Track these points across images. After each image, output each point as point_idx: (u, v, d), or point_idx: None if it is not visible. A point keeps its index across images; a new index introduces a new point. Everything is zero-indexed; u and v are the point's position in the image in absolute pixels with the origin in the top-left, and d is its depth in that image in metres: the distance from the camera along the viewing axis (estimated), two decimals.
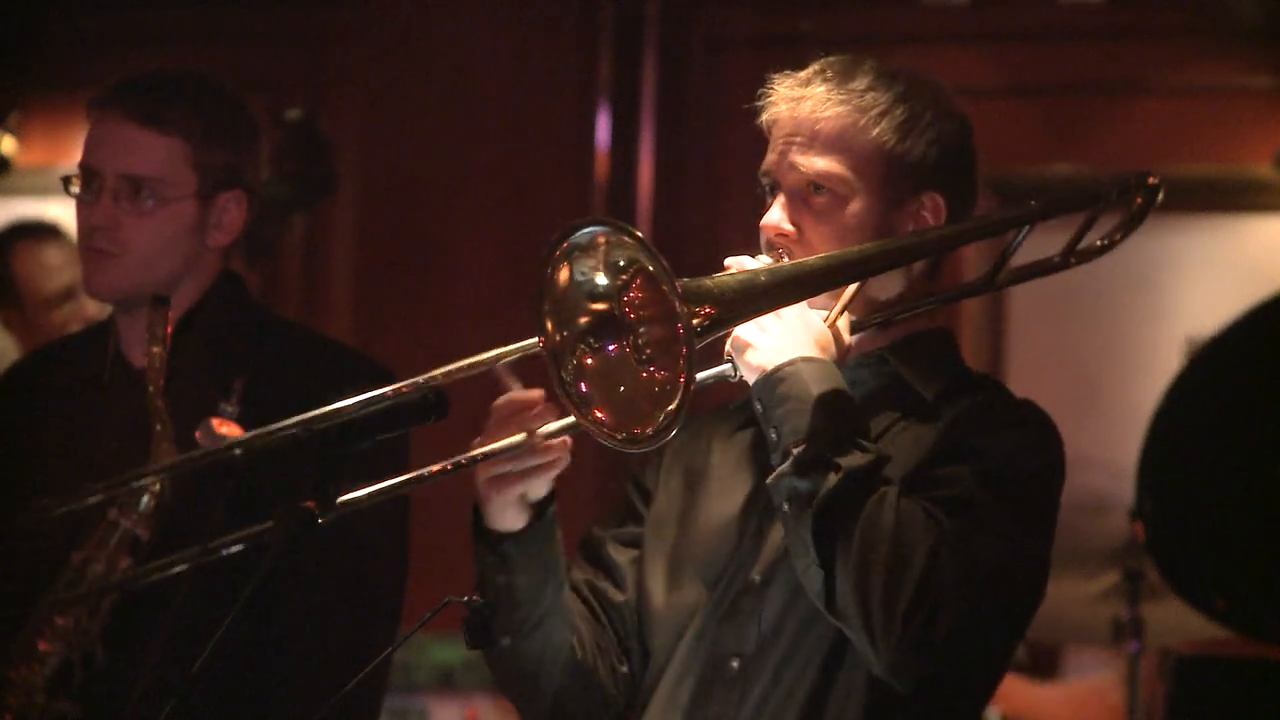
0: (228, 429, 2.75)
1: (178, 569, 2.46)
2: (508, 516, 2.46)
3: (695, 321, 2.18)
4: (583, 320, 2.27)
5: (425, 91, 5.86)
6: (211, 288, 3.09)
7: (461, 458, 2.39)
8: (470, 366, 2.38)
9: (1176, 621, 4.37)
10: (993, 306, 5.78)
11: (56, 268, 5.00)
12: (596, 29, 5.85)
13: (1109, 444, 5.52)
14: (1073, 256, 2.48)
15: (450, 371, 2.38)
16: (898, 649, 2.23)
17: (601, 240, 2.23)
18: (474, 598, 2.41)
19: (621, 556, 2.58)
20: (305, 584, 2.89)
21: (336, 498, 2.27)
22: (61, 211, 5.32)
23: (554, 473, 2.43)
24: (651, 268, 2.20)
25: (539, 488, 2.45)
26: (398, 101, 5.90)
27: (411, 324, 5.57)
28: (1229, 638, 4.24)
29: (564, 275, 2.25)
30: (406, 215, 5.88)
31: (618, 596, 2.56)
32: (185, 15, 6.06)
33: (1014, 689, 5.08)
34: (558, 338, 2.27)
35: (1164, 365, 4.52)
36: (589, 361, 2.28)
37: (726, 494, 2.52)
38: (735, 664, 2.43)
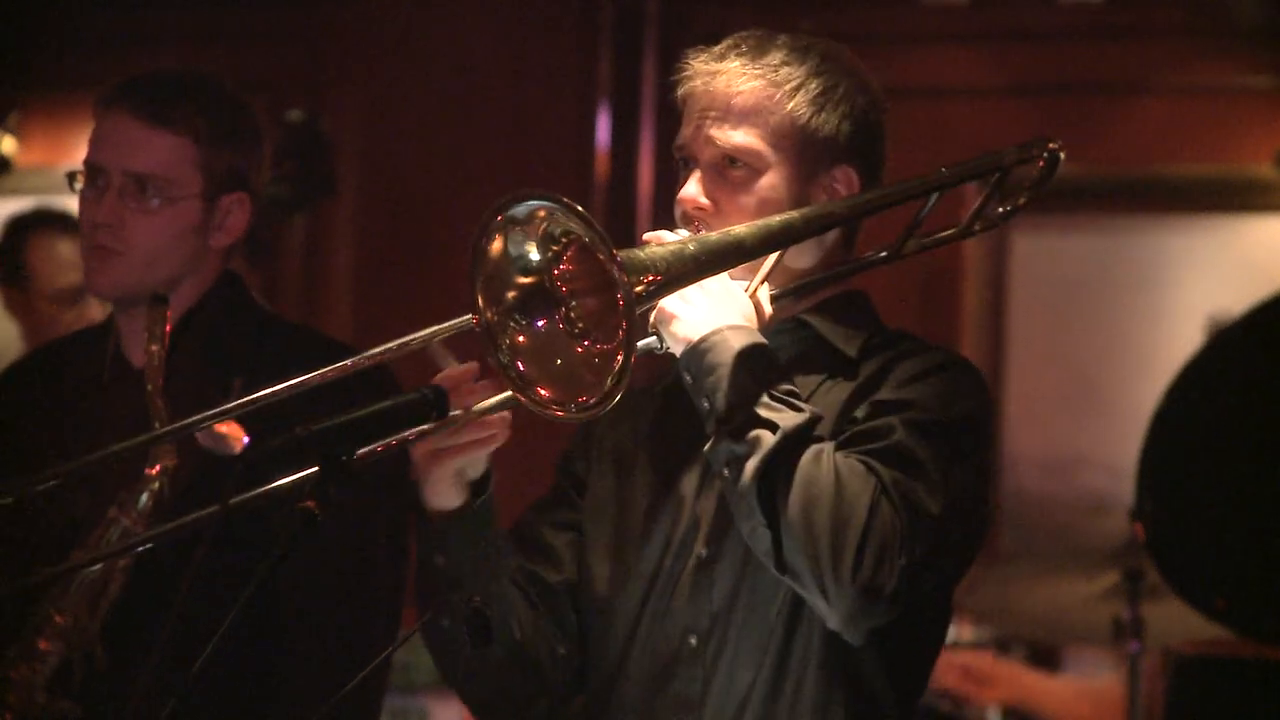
0: (228, 428, 2.76)
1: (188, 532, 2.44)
2: (443, 494, 2.46)
3: (638, 290, 2.20)
4: (510, 295, 2.28)
5: (425, 91, 5.86)
6: (212, 288, 3.09)
7: (395, 437, 2.36)
8: (402, 346, 2.38)
9: (1176, 621, 4.37)
10: (993, 306, 5.78)
11: (70, 264, 4.98)
12: (596, 29, 5.85)
13: (1109, 444, 5.53)
14: (977, 224, 2.57)
15: (381, 352, 2.38)
16: (849, 600, 2.26)
17: (541, 214, 2.24)
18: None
19: (557, 539, 2.58)
20: (306, 584, 2.89)
21: (336, 498, 2.27)
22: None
23: (490, 448, 2.43)
24: (588, 238, 2.21)
25: (476, 465, 2.45)
26: (398, 101, 5.90)
27: (411, 324, 5.55)
28: (1229, 638, 4.24)
29: (496, 247, 2.27)
30: (406, 215, 5.88)
31: (554, 577, 2.56)
32: (185, 15, 6.06)
33: (1019, 677, 5.08)
34: (489, 315, 2.28)
35: (1164, 365, 4.52)
36: (521, 339, 2.29)
37: (660, 472, 2.53)
38: (693, 640, 2.44)
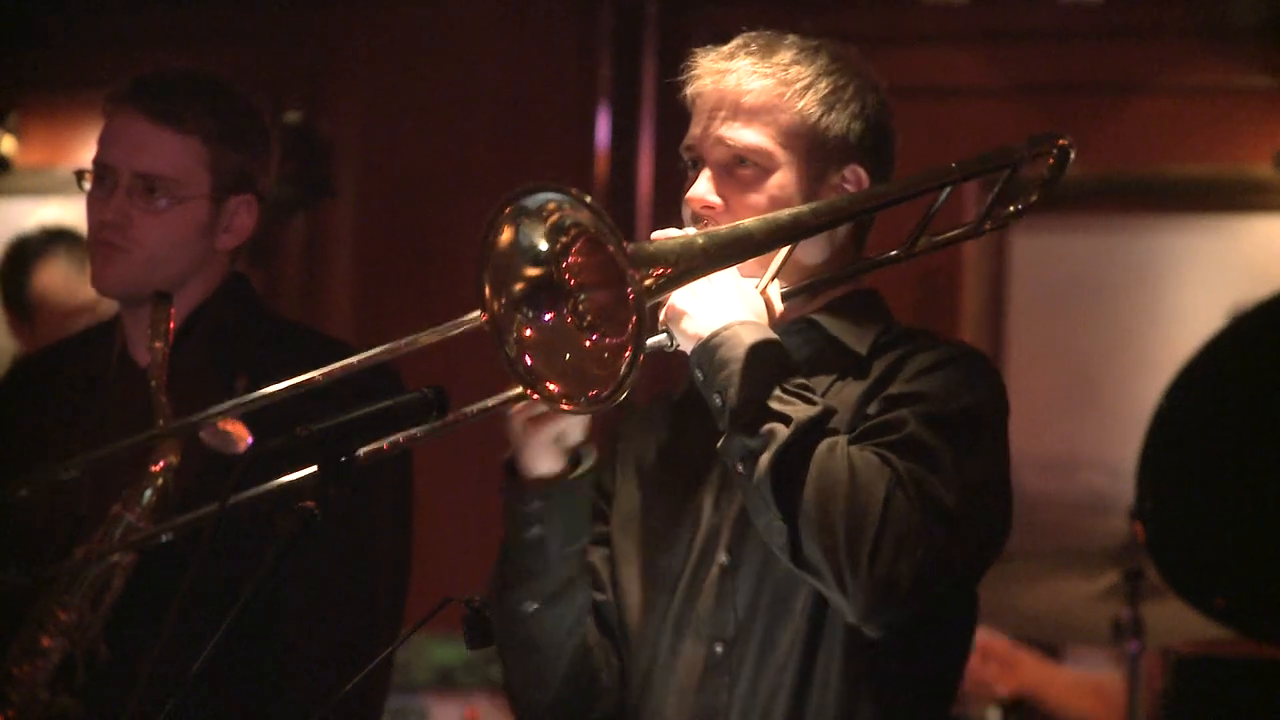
0: (232, 427, 2.76)
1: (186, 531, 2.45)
2: (543, 461, 2.45)
3: (647, 283, 2.20)
4: (518, 287, 2.28)
5: (425, 91, 5.86)
6: (218, 289, 3.09)
7: (399, 435, 2.36)
8: (410, 344, 2.39)
9: (1176, 621, 4.37)
10: (993, 305, 5.78)
11: (77, 308, 4.82)
12: (596, 29, 5.85)
13: (1109, 444, 5.52)
14: (988, 222, 2.55)
15: (388, 350, 2.38)
16: (867, 592, 2.25)
17: (551, 206, 2.24)
18: (474, 598, 2.41)
19: (595, 556, 2.57)
20: (307, 583, 2.90)
21: (336, 497, 2.27)
22: (61, 212, 5.31)
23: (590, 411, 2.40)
24: (597, 230, 2.21)
25: (574, 430, 2.44)
26: (398, 101, 5.90)
27: (411, 324, 5.55)
28: (1229, 638, 4.24)
29: (505, 238, 2.27)
30: (406, 215, 5.88)
31: (599, 596, 2.56)
32: (185, 15, 6.06)
33: (1031, 663, 5.07)
34: (495, 306, 2.27)
35: (1164, 365, 4.52)
36: (528, 333, 2.28)
37: (680, 482, 2.53)
38: (719, 649, 2.44)
